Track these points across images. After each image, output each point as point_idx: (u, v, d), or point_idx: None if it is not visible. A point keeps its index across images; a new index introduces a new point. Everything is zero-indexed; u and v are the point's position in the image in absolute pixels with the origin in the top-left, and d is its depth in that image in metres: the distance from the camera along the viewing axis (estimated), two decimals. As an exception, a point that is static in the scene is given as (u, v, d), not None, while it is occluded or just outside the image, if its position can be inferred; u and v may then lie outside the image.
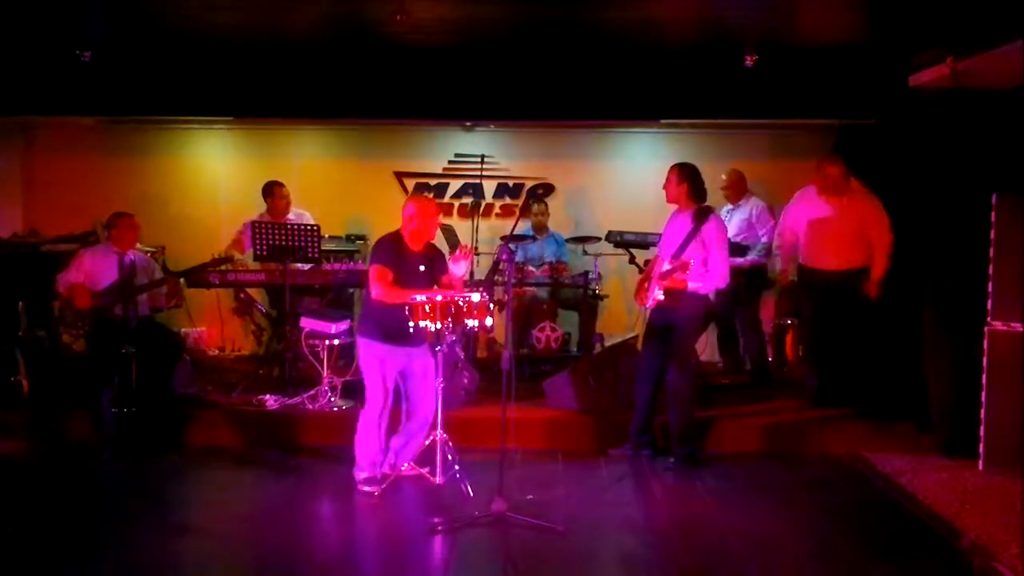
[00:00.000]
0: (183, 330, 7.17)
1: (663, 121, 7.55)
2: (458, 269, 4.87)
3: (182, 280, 6.17)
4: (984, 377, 5.10)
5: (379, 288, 4.72)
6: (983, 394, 5.10)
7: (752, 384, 6.74)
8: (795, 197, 6.27)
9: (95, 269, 5.84)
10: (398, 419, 5.03)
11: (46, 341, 6.28)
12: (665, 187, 5.39)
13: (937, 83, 5.51)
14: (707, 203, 5.38)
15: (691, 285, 5.13)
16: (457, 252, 4.93)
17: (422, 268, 4.81)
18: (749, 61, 6.15)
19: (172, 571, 3.96)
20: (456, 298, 4.57)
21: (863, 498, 4.91)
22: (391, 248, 4.82)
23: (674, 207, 5.42)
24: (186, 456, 5.58)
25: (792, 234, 6.22)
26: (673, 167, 5.39)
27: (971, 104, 5.39)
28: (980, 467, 5.12)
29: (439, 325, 4.51)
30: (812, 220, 6.02)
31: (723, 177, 6.80)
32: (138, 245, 6.22)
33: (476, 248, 7.32)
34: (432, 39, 5.98)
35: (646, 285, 5.36)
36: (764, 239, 6.68)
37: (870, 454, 5.49)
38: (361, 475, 4.85)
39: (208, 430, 5.80)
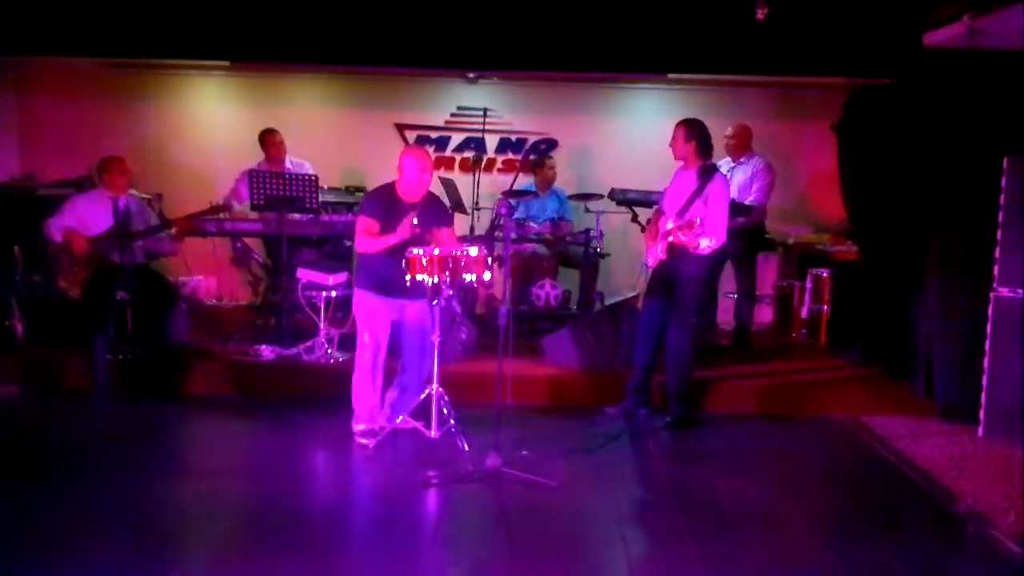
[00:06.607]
0: (180, 279, 7.12)
1: (670, 76, 7.41)
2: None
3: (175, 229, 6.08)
4: (988, 343, 5.05)
5: (362, 240, 4.68)
6: (986, 360, 5.05)
7: (734, 347, 6.68)
8: None
9: (88, 214, 5.75)
10: (395, 372, 5.01)
11: (42, 286, 6.20)
12: (672, 144, 5.26)
13: (952, 42, 5.38)
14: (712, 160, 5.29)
15: (702, 244, 4.88)
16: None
17: (415, 221, 4.73)
18: (760, 14, 5.98)
19: (162, 517, 3.94)
20: (454, 252, 4.50)
21: (860, 461, 4.88)
22: (381, 200, 4.75)
23: (679, 164, 5.32)
24: (181, 404, 5.55)
25: None
26: (680, 124, 5.26)
27: (985, 65, 5.27)
28: (980, 433, 5.09)
29: (436, 279, 4.44)
30: None
31: (728, 130, 6.67)
32: (133, 191, 6.13)
33: (476, 203, 7.26)
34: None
35: (653, 242, 5.26)
36: (751, 200, 6.50)
37: (868, 417, 5.46)
38: (357, 426, 4.83)
39: (203, 379, 5.77)
